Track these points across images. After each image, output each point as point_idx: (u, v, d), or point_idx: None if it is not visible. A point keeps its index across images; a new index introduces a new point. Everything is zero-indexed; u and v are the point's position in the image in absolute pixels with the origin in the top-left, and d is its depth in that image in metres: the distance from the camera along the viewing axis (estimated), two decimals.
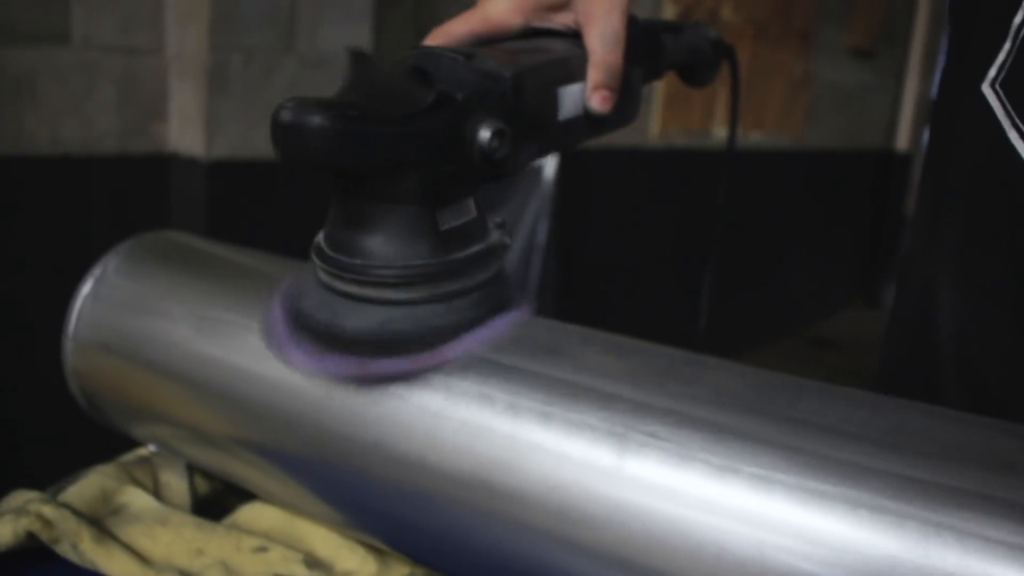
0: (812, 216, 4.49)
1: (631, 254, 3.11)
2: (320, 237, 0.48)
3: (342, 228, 0.46)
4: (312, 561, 0.55)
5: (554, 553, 0.41)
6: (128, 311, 0.59)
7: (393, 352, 0.45)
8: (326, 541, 0.57)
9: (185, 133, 1.71)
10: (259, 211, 1.76)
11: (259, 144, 1.72)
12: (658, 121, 3.14)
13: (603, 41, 0.57)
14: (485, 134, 0.46)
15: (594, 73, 0.56)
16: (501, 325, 0.47)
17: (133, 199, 1.73)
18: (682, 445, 0.40)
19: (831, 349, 4.52)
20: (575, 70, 0.56)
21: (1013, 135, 0.61)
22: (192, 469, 0.62)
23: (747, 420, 0.40)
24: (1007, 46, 0.61)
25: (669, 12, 3.05)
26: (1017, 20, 0.60)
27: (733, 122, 0.87)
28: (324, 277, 0.47)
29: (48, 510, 0.56)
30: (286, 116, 0.41)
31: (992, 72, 0.62)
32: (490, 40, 0.57)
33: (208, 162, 1.68)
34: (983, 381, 0.65)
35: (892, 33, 5.11)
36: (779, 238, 4.22)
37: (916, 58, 5.38)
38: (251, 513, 0.61)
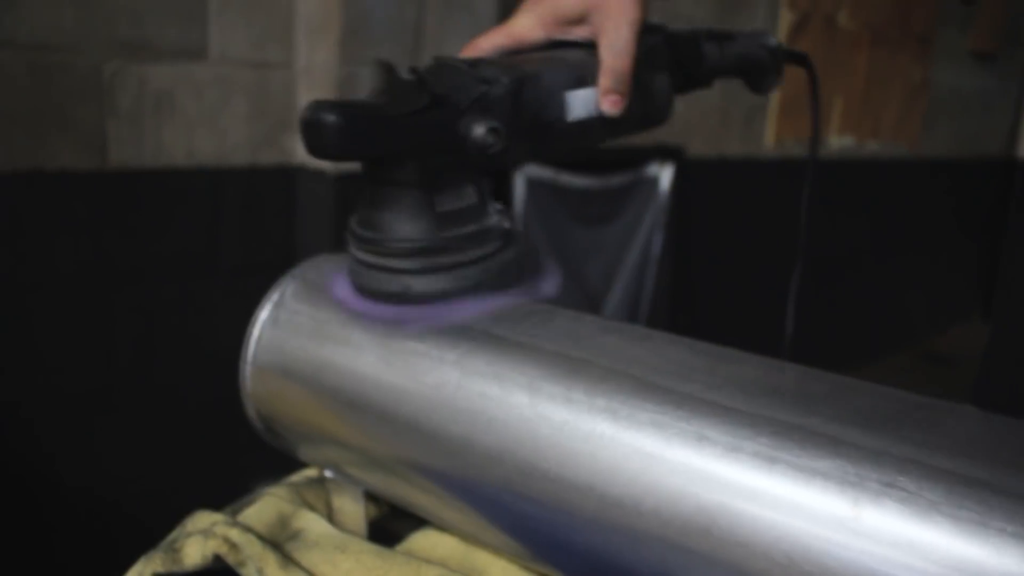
0: (928, 227, 4.34)
1: (745, 265, 3.05)
2: (353, 218, 0.58)
3: (364, 208, 0.56)
4: None
5: None
6: (308, 337, 0.59)
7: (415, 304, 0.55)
8: (506, 573, 0.56)
9: None
10: None
11: None
12: (772, 130, 3.07)
13: (612, 50, 0.64)
14: (479, 131, 0.53)
15: (603, 79, 0.63)
16: (513, 298, 0.56)
17: (262, 210, 1.77)
18: (923, 496, 0.37)
19: (945, 365, 4.36)
20: (587, 76, 0.63)
21: None
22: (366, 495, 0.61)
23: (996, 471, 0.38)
24: None
25: (786, 20, 2.98)
26: None
27: (815, 132, 0.90)
28: (353, 249, 0.57)
29: (234, 534, 0.56)
30: (305, 114, 0.49)
31: None
32: (515, 52, 0.65)
33: (335, 174, 1.70)
34: None
35: (1016, 33, 4.90)
36: (894, 250, 4.09)
37: None
38: (426, 541, 0.60)
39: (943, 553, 0.36)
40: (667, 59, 0.71)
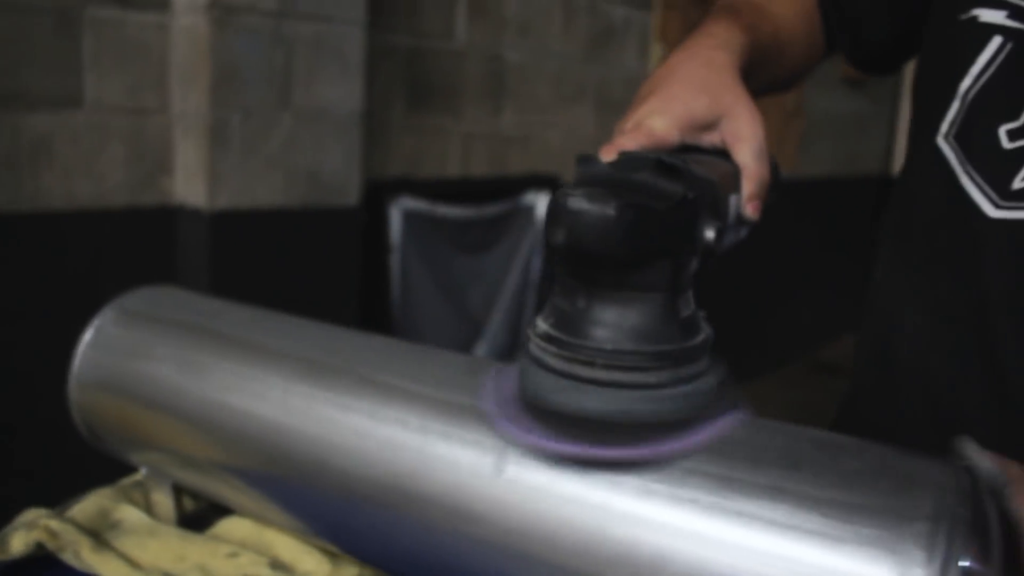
0: (813, 243, 4.58)
1: None
2: (545, 324, 0.50)
3: (586, 314, 0.49)
4: (276, 564, 0.66)
5: None
6: (122, 355, 0.70)
7: (637, 435, 0.47)
8: (289, 547, 0.68)
9: (189, 186, 1.83)
10: (259, 255, 1.88)
11: (258, 194, 1.84)
12: None
13: (755, 157, 0.63)
14: (710, 233, 0.51)
15: (749, 185, 0.63)
16: (734, 419, 0.49)
17: (142, 249, 1.86)
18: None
19: (834, 373, 4.59)
20: (735, 183, 0.62)
21: (964, 180, 0.73)
22: (178, 489, 0.72)
23: None
24: (955, 105, 0.74)
25: (656, 53, 3.17)
26: (964, 85, 0.73)
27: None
28: (559, 363, 0.49)
29: (54, 524, 0.66)
30: (576, 204, 0.44)
31: (944, 127, 0.75)
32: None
33: (210, 212, 1.80)
34: (940, 396, 0.75)
35: None
36: (782, 267, 4.31)
37: (908, 85, 5.47)
38: (228, 526, 0.71)
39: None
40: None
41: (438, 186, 2.40)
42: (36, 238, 1.72)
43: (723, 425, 0.49)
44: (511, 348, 2.61)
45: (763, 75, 0.77)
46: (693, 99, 0.64)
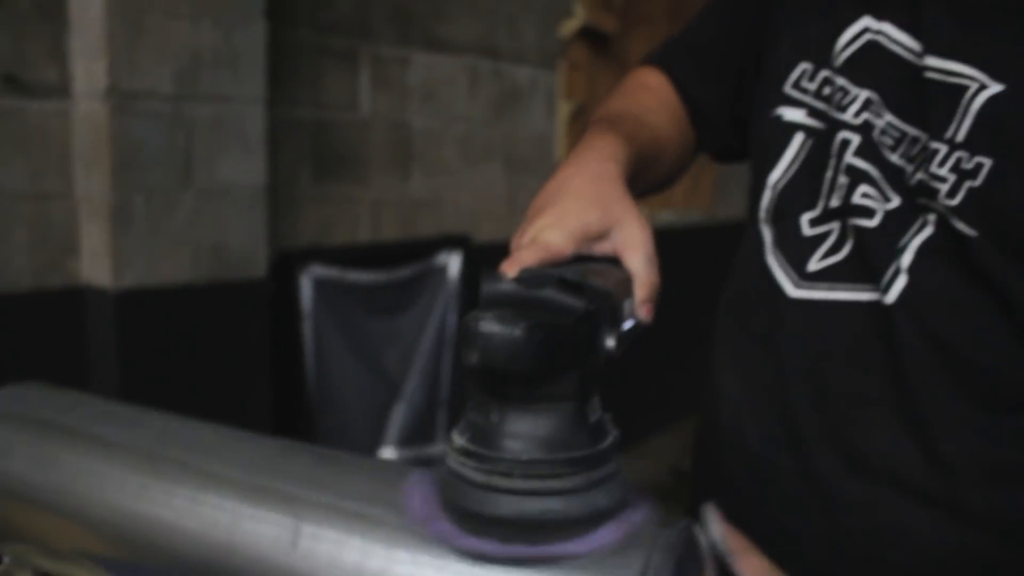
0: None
1: None
2: (461, 439, 0.53)
3: (500, 428, 0.52)
4: None
5: None
6: None
7: (557, 535, 0.49)
8: None
9: (95, 266, 1.87)
10: (167, 332, 1.92)
11: (163, 273, 1.89)
12: None
13: (645, 263, 0.67)
14: (611, 341, 0.55)
15: (641, 290, 0.66)
16: (647, 507, 0.52)
17: (51, 330, 1.89)
18: None
19: None
20: (628, 289, 0.66)
21: (771, 261, 0.83)
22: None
23: None
24: (768, 194, 0.83)
25: (564, 109, 3.29)
26: (774, 177, 0.82)
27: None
28: (478, 476, 0.51)
29: None
30: (487, 327, 0.48)
31: (761, 213, 0.84)
32: (552, 267, 0.65)
33: (116, 292, 1.84)
34: (754, 456, 0.84)
35: None
36: (701, 312, 4.42)
37: None
38: None
39: None
40: None
41: (349, 252, 2.46)
42: None
43: (629, 522, 0.51)
44: (429, 407, 2.67)
45: (647, 179, 0.84)
46: (586, 212, 0.67)
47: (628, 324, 0.63)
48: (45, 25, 1.82)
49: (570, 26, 3.29)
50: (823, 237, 0.77)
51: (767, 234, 0.84)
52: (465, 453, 0.52)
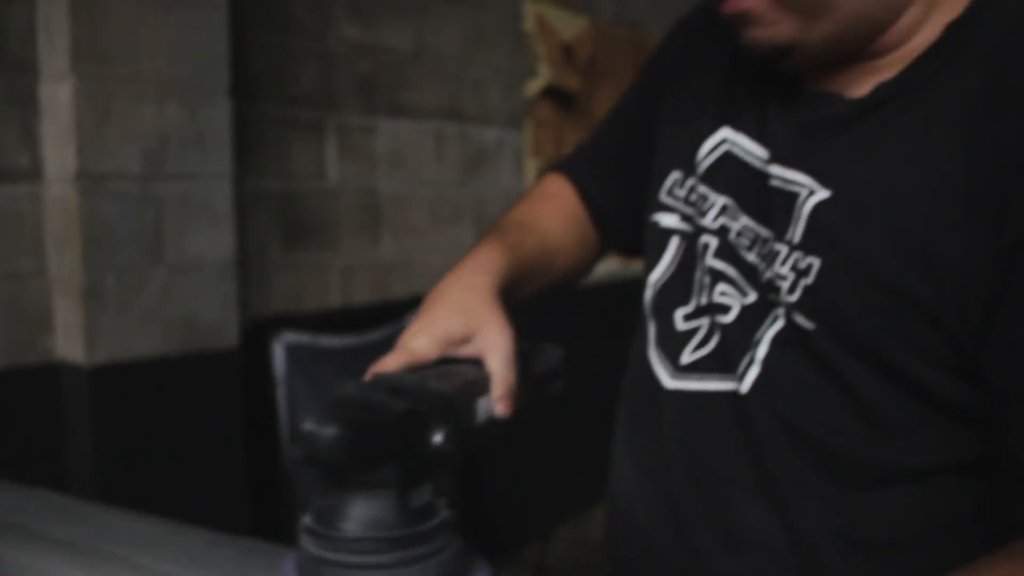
0: None
1: None
2: (308, 519, 0.63)
3: (335, 510, 0.62)
4: None
5: None
6: None
7: None
8: None
9: (69, 343, 1.92)
10: (141, 404, 1.97)
11: (136, 348, 1.94)
12: None
13: (503, 365, 0.75)
14: (438, 437, 0.64)
15: (497, 388, 0.74)
16: None
17: (28, 406, 1.93)
18: None
19: None
20: (484, 387, 0.74)
21: (652, 354, 0.90)
22: None
23: None
24: (650, 292, 0.91)
25: (531, 167, 3.37)
26: (654, 276, 0.90)
27: None
28: (317, 551, 0.61)
29: None
30: (308, 426, 0.58)
31: (646, 309, 0.92)
32: (416, 369, 0.73)
33: (90, 367, 1.89)
34: (643, 532, 0.90)
35: None
36: None
37: None
38: None
39: None
40: (524, 369, 0.83)
41: (321, 318, 2.52)
42: None
43: None
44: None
45: (537, 280, 0.93)
46: (451, 320, 0.76)
47: (482, 418, 0.73)
48: (16, 112, 1.88)
49: (535, 86, 3.38)
50: (694, 332, 0.84)
51: (650, 328, 0.90)
52: (307, 531, 0.62)
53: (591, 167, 1.05)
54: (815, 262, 0.73)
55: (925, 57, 0.72)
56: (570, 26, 3.55)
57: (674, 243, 0.89)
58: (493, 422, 0.75)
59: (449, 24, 2.91)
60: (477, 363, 0.77)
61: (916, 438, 0.72)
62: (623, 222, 1.03)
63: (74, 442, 1.95)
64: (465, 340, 0.77)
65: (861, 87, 0.75)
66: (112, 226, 1.90)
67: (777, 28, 0.72)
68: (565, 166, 1.08)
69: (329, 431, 0.58)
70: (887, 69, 0.74)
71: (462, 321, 0.77)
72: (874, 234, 0.70)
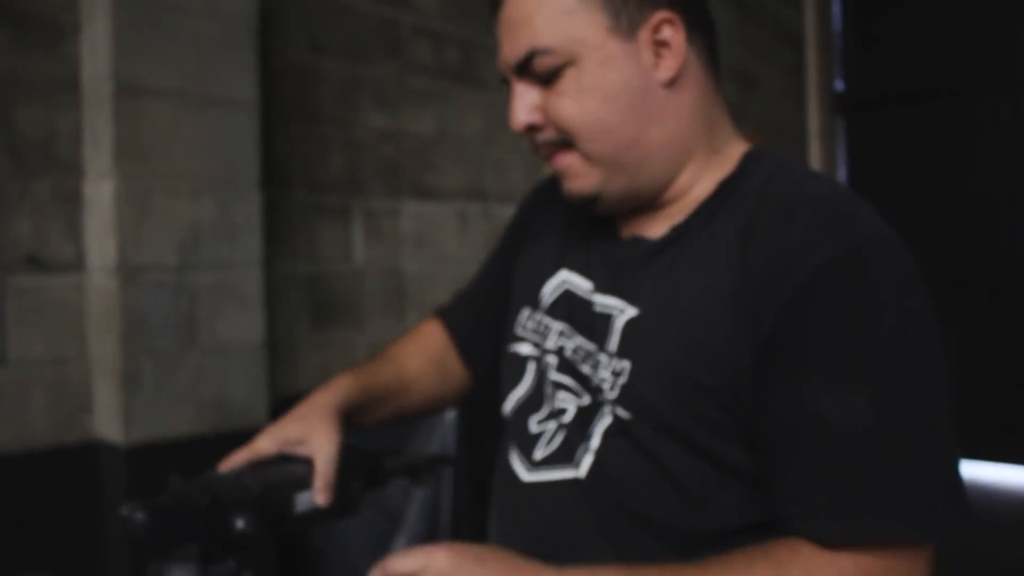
0: None
1: None
2: None
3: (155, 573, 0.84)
4: None
5: None
6: None
7: None
8: None
9: (107, 423, 2.04)
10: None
11: (171, 427, 2.06)
12: None
13: (323, 463, 0.99)
14: (240, 523, 0.84)
15: (317, 481, 0.98)
16: None
17: (69, 481, 2.05)
18: None
19: None
20: (308, 481, 0.98)
21: (512, 453, 1.06)
22: None
23: None
24: (510, 405, 1.09)
25: None
26: (516, 395, 1.08)
27: None
28: None
29: None
30: (123, 513, 0.79)
31: (506, 417, 1.10)
32: (256, 463, 1.01)
33: (127, 447, 2.00)
34: None
35: None
36: None
37: None
38: None
39: None
40: (359, 467, 1.07)
41: None
42: None
43: None
44: (429, 536, 2.77)
45: (391, 405, 1.17)
46: (290, 426, 1.03)
47: (304, 507, 0.95)
48: (62, 208, 2.03)
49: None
50: (543, 433, 1.00)
51: (510, 435, 1.07)
52: None
53: (464, 309, 1.29)
54: (627, 365, 0.91)
55: (705, 205, 0.94)
56: None
57: (531, 367, 1.07)
58: (317, 510, 0.97)
59: (470, 109, 3.05)
60: (309, 462, 0.99)
61: (720, 503, 0.87)
62: (492, 355, 1.20)
63: (112, 517, 2.06)
64: (300, 442, 1.01)
65: (659, 229, 0.97)
66: (149, 313, 2.03)
67: (586, 180, 0.94)
68: (442, 312, 1.32)
69: (137, 515, 0.79)
70: (678, 214, 0.96)
71: (300, 427, 1.02)
72: (670, 339, 0.88)
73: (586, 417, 0.95)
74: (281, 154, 2.49)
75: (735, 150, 0.99)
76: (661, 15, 0.92)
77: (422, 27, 2.92)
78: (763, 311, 0.82)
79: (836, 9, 5.97)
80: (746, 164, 0.95)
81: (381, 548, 2.72)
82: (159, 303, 2.05)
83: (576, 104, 0.92)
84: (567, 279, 1.05)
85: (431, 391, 1.24)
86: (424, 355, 1.25)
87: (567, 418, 0.98)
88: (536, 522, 0.99)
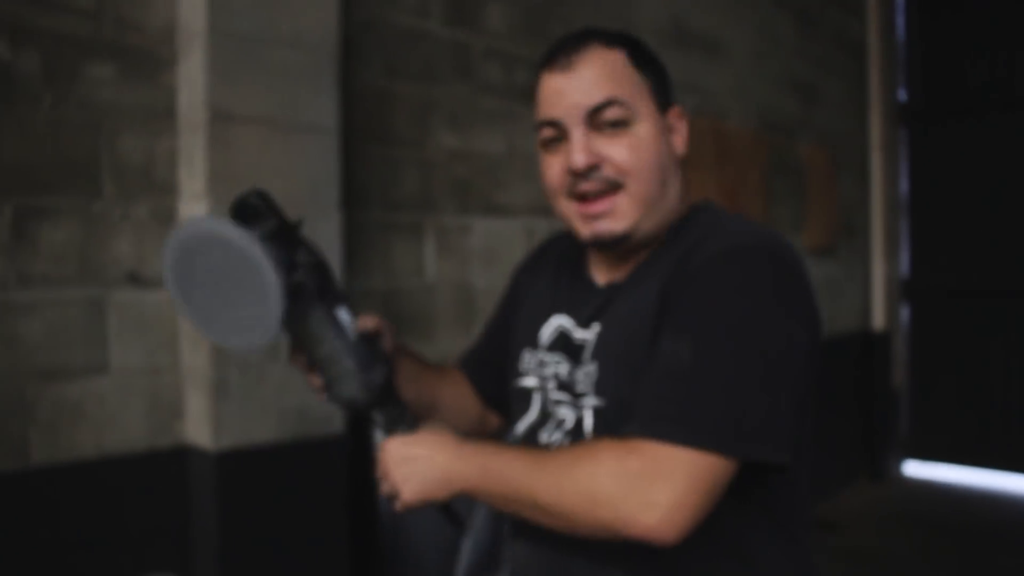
0: None
1: None
2: None
3: None
4: None
5: None
6: None
7: None
8: None
9: (198, 430, 2.18)
10: (259, 484, 2.21)
11: (256, 434, 2.19)
12: None
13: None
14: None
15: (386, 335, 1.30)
16: None
17: (162, 484, 2.19)
18: None
19: (832, 531, 4.76)
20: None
21: None
22: None
23: None
24: (523, 427, 1.29)
25: None
26: (523, 425, 1.29)
27: None
28: None
29: None
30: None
31: (518, 437, 1.29)
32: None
33: (215, 452, 2.14)
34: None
35: (851, 226, 5.60)
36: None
37: (878, 244, 5.85)
38: None
39: None
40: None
41: None
42: (72, 485, 2.05)
43: None
44: (494, 541, 2.88)
45: (425, 385, 1.38)
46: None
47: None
48: (158, 227, 2.17)
49: None
50: (552, 444, 1.21)
51: (520, 442, 1.27)
52: None
53: (475, 359, 1.50)
54: (595, 366, 1.16)
55: (661, 247, 1.18)
56: None
57: (536, 397, 1.27)
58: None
59: None
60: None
61: None
62: (503, 394, 1.40)
63: (200, 516, 2.19)
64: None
65: (624, 273, 1.21)
66: None
67: (625, 219, 1.15)
68: (459, 361, 1.53)
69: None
70: (643, 255, 1.20)
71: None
72: (622, 341, 1.14)
73: (579, 420, 1.18)
74: (359, 175, 2.62)
75: (688, 201, 1.25)
76: (677, 108, 1.21)
77: (492, 49, 3.03)
78: (670, 294, 1.10)
79: (899, 19, 5.97)
80: (692, 214, 1.21)
81: (450, 551, 2.83)
82: None
83: (635, 153, 1.15)
84: (560, 322, 1.27)
85: (456, 401, 1.45)
86: (456, 389, 1.47)
87: (567, 426, 1.20)
88: None
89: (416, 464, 1.14)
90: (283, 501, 2.25)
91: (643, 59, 1.18)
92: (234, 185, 2.13)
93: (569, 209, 1.19)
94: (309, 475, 2.31)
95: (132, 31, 2.12)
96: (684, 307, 1.07)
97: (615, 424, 1.11)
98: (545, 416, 1.24)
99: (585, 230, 1.18)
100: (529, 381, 1.28)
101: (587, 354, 1.18)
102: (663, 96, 1.19)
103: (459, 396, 1.46)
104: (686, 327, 1.05)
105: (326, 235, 2.31)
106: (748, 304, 1.05)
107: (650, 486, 0.99)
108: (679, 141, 1.21)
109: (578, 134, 1.14)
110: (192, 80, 2.13)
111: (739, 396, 1.02)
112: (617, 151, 1.14)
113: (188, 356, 2.20)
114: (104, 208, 2.09)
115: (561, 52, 1.18)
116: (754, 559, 1.14)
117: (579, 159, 1.13)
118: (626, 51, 1.17)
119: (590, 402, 1.16)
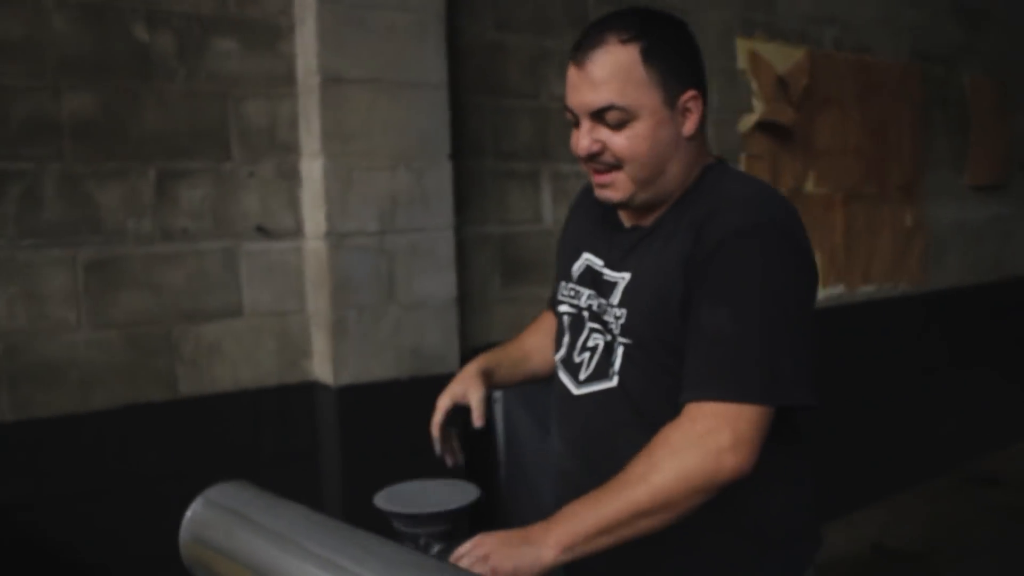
0: (958, 352, 4.65)
1: None
2: None
3: None
4: None
5: None
6: (206, 531, 1.19)
7: None
8: None
9: (321, 367, 2.40)
10: (377, 417, 2.40)
11: (374, 371, 2.38)
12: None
13: (476, 403, 1.50)
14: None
15: (474, 415, 1.51)
16: None
17: (291, 415, 2.43)
18: None
19: (993, 485, 4.56)
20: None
21: (563, 375, 1.44)
22: None
23: None
24: (563, 346, 1.46)
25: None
26: (565, 340, 1.45)
27: None
28: None
29: None
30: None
31: (561, 353, 1.45)
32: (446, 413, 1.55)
33: (336, 387, 2.35)
34: (566, 471, 1.45)
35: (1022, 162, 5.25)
36: (916, 379, 4.40)
37: None
38: None
39: None
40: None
41: None
42: (212, 414, 2.32)
43: None
44: None
45: (520, 369, 1.63)
46: (456, 386, 1.53)
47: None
48: (284, 184, 2.38)
49: (748, 121, 3.55)
50: (583, 362, 1.39)
51: (559, 362, 1.45)
52: None
53: (554, 299, 1.62)
54: (624, 311, 1.32)
55: (677, 203, 1.34)
56: (785, 59, 3.68)
57: (571, 322, 1.44)
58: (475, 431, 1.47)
59: None
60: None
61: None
62: None
63: (326, 443, 2.42)
64: (463, 396, 1.50)
65: (650, 220, 1.36)
66: (353, 273, 2.35)
67: (622, 191, 1.32)
68: (548, 303, 1.69)
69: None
70: (663, 208, 1.35)
71: (461, 388, 1.52)
72: (648, 291, 1.30)
73: (609, 348, 1.35)
74: (472, 127, 2.74)
75: (703, 164, 1.39)
76: (690, 92, 1.31)
77: None
78: (695, 266, 1.25)
79: None
80: (704, 174, 1.36)
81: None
82: (362, 264, 2.36)
83: (632, 145, 1.30)
84: (588, 259, 1.44)
85: (549, 356, 1.58)
86: (541, 332, 1.66)
87: (599, 350, 1.37)
88: (583, 422, 1.39)
89: (520, 546, 1.20)
90: (400, 431, 2.44)
91: (659, 52, 1.29)
92: (345, 142, 2.31)
93: (588, 172, 1.38)
94: (424, 409, 2.48)
95: (252, 5, 2.32)
96: (714, 282, 1.24)
97: (638, 359, 1.33)
98: (576, 340, 1.42)
99: (596, 191, 1.37)
100: (565, 307, 1.46)
101: (616, 298, 1.35)
102: (677, 83, 1.30)
103: (545, 340, 1.62)
104: (720, 300, 1.23)
105: (437, 184, 2.46)
106: (769, 278, 1.24)
107: (719, 437, 1.18)
108: (691, 123, 1.33)
109: (585, 125, 1.31)
110: (306, 47, 2.31)
111: (773, 355, 1.22)
112: (617, 142, 1.30)
113: (312, 300, 2.41)
114: (233, 168, 2.32)
115: (582, 45, 1.31)
116: (783, 468, 1.36)
117: (580, 147, 1.32)
118: (641, 45, 1.28)
119: (620, 339, 1.34)
